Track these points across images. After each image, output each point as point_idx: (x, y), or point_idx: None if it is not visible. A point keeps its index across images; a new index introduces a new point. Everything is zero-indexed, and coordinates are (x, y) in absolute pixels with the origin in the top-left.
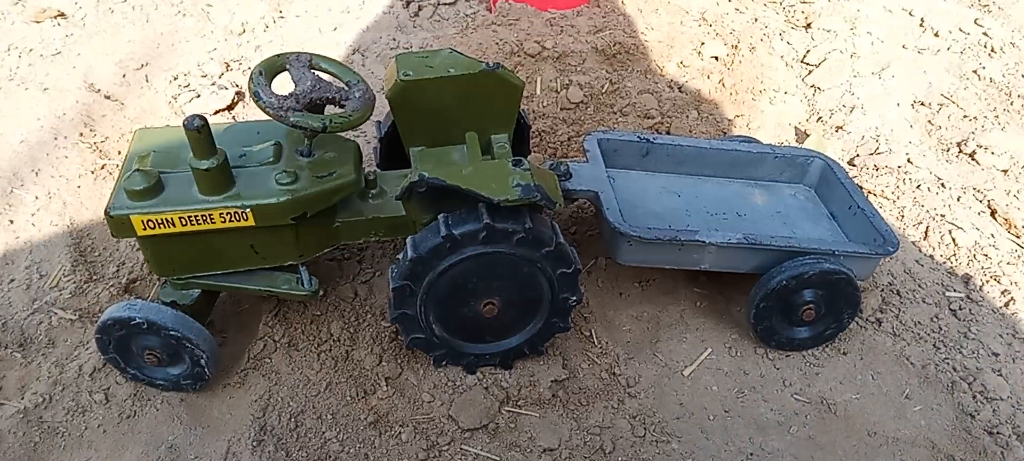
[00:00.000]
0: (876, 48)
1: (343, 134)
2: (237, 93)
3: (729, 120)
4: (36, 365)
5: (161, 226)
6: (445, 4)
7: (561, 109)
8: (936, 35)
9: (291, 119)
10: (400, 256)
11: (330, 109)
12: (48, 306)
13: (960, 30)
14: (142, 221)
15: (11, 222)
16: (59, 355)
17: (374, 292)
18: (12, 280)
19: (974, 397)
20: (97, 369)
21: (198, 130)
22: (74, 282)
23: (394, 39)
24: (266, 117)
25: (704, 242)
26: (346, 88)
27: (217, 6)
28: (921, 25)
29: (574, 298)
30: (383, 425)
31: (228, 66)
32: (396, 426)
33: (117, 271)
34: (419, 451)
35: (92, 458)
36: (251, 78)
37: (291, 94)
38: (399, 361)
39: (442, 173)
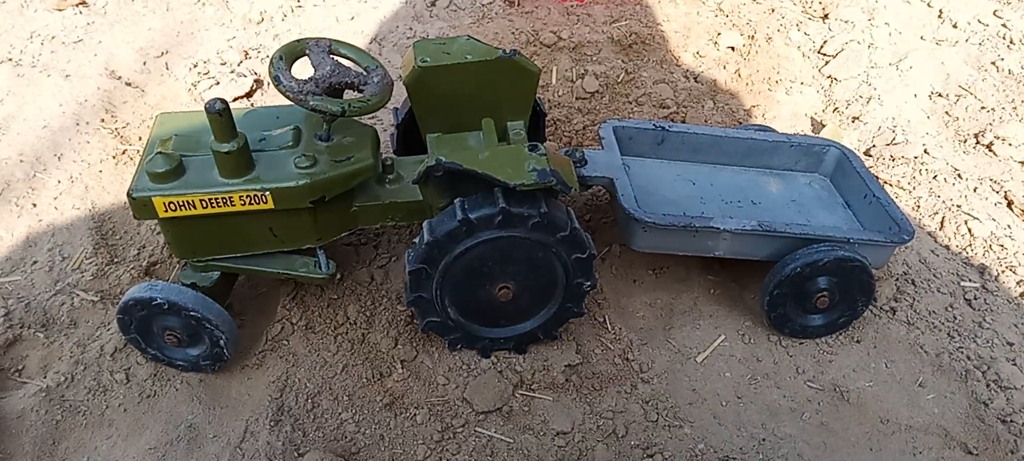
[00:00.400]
0: (894, 39)
1: (361, 119)
2: (256, 81)
3: (745, 110)
4: (58, 345)
5: (182, 208)
6: None
7: (576, 98)
8: (954, 26)
9: (310, 103)
10: (416, 240)
11: (349, 94)
12: (70, 288)
13: (979, 21)
14: (164, 203)
15: (34, 206)
16: (81, 336)
17: (390, 277)
18: (35, 262)
19: (988, 385)
20: (118, 349)
21: (219, 113)
22: (96, 264)
23: (411, 28)
24: (285, 102)
25: (719, 229)
26: (365, 73)
27: None
28: (940, 16)
29: (588, 283)
30: (398, 407)
31: (247, 54)
32: (411, 408)
33: (138, 254)
34: (434, 433)
35: (113, 437)
36: (271, 62)
37: (310, 79)
38: (414, 344)
39: (458, 157)
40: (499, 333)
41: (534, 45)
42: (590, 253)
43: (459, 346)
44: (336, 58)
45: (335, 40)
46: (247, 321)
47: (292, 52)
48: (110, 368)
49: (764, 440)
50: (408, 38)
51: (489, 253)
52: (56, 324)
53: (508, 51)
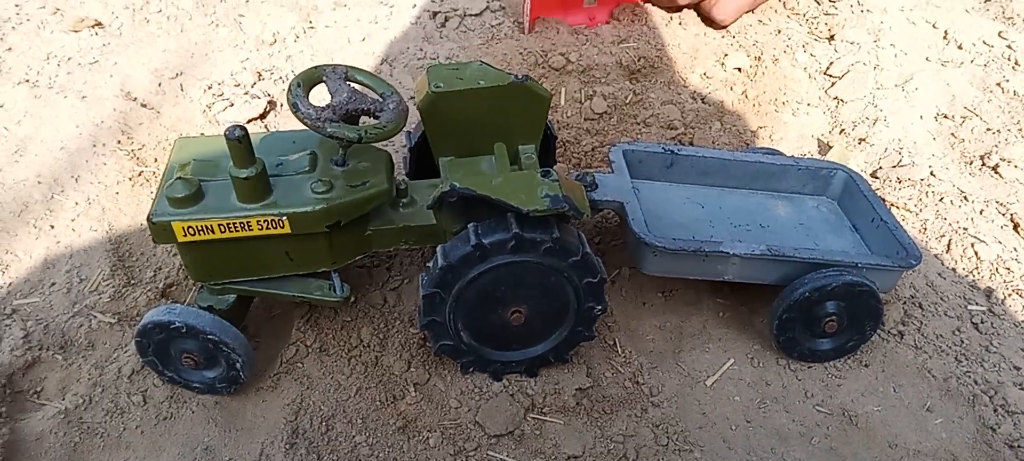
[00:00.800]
0: (899, 60)
1: (375, 144)
2: (269, 102)
3: (752, 131)
4: (76, 367)
5: (201, 233)
6: (471, 15)
7: (585, 119)
8: (960, 48)
9: (328, 130)
10: (430, 264)
11: (365, 120)
12: (88, 310)
13: (984, 43)
14: (183, 227)
15: (52, 227)
16: (99, 357)
17: (403, 299)
18: (53, 284)
19: (995, 411)
20: (135, 371)
21: (239, 140)
22: (113, 286)
23: (421, 49)
24: (301, 126)
25: (728, 253)
26: (380, 99)
27: (249, 17)
28: (945, 38)
29: (599, 307)
30: (411, 430)
31: (260, 75)
32: (424, 431)
33: (154, 276)
34: (446, 456)
35: (130, 458)
36: (290, 89)
37: (328, 106)
38: (427, 367)
39: (472, 183)
40: (511, 356)
41: (543, 67)
42: (601, 277)
43: (471, 369)
44: (352, 85)
45: (351, 67)
46: (262, 343)
47: (310, 79)
48: (127, 390)
49: None
50: (419, 59)
51: (502, 278)
52: (74, 346)
53: (520, 76)
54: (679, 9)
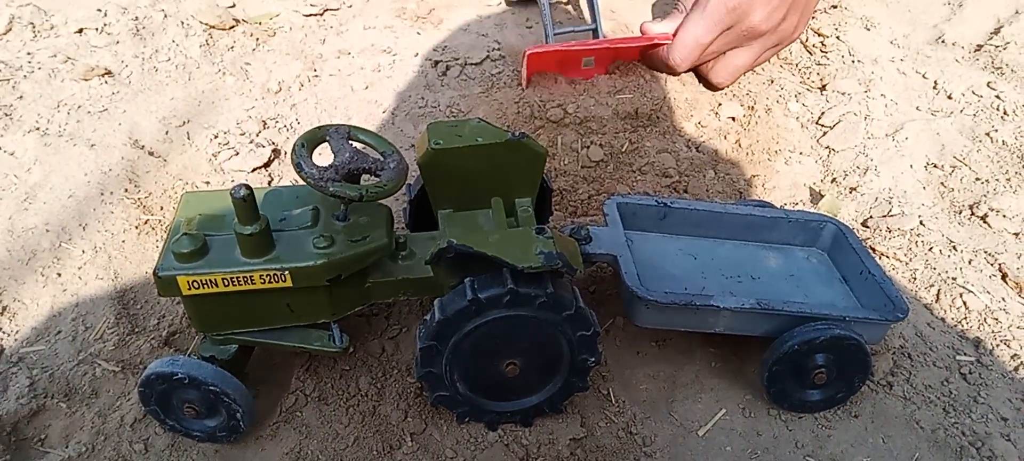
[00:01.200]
0: (890, 110)
1: None
2: (273, 150)
3: (746, 180)
4: (80, 415)
5: (205, 286)
6: (471, 64)
7: (582, 167)
8: (949, 98)
9: (330, 189)
10: (427, 317)
11: (367, 178)
12: (92, 358)
13: (973, 93)
14: (188, 282)
15: (59, 275)
16: (102, 405)
17: (400, 348)
18: (59, 332)
19: None
20: (137, 420)
21: (243, 199)
22: (117, 334)
23: (422, 98)
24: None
25: (718, 307)
26: (382, 158)
27: (255, 65)
28: (934, 87)
29: (593, 359)
30: None
31: (265, 124)
32: None
33: (158, 324)
34: None
35: None
36: (294, 149)
37: (331, 165)
38: (424, 417)
39: (470, 239)
40: (506, 407)
41: (540, 119)
42: (595, 330)
43: (467, 419)
44: (354, 144)
45: (354, 127)
46: (262, 391)
47: (313, 139)
48: (130, 438)
49: None
50: (420, 107)
51: (497, 331)
52: (78, 394)
53: (517, 134)
54: (676, 74)
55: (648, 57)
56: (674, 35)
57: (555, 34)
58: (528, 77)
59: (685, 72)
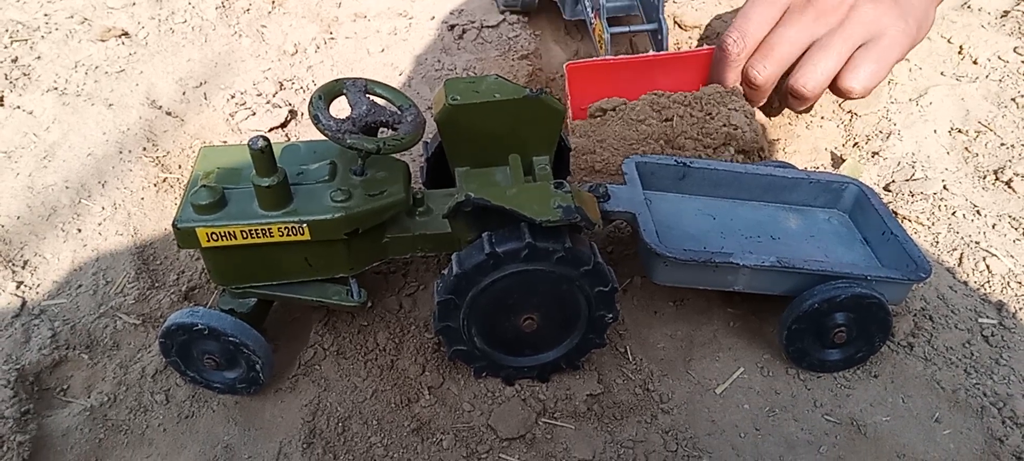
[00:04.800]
0: (914, 75)
1: (393, 155)
2: (290, 111)
3: (767, 143)
4: (102, 366)
5: (223, 238)
6: (488, 27)
7: None
8: (975, 63)
9: (347, 141)
10: (445, 271)
11: (383, 132)
12: (113, 311)
13: (999, 58)
14: (206, 233)
15: (79, 231)
16: (123, 357)
17: (418, 305)
18: (80, 286)
19: (1003, 422)
20: (159, 371)
21: (261, 151)
22: (138, 289)
23: (439, 61)
24: (322, 137)
25: (738, 264)
26: (399, 112)
27: (271, 27)
28: (960, 52)
29: (610, 315)
30: (425, 432)
31: (281, 85)
32: (437, 433)
33: (177, 279)
34: (459, 458)
35: (152, 455)
36: (311, 101)
37: (348, 118)
38: (441, 371)
39: (487, 194)
40: (523, 362)
41: (558, 80)
42: (612, 286)
43: (484, 374)
44: (372, 97)
45: (371, 80)
46: (281, 346)
47: (330, 92)
48: (151, 389)
49: None
50: (436, 70)
51: (515, 285)
52: (100, 346)
53: (535, 90)
54: (732, 72)
55: (713, 69)
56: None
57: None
58: (571, 95)
59: (761, 79)
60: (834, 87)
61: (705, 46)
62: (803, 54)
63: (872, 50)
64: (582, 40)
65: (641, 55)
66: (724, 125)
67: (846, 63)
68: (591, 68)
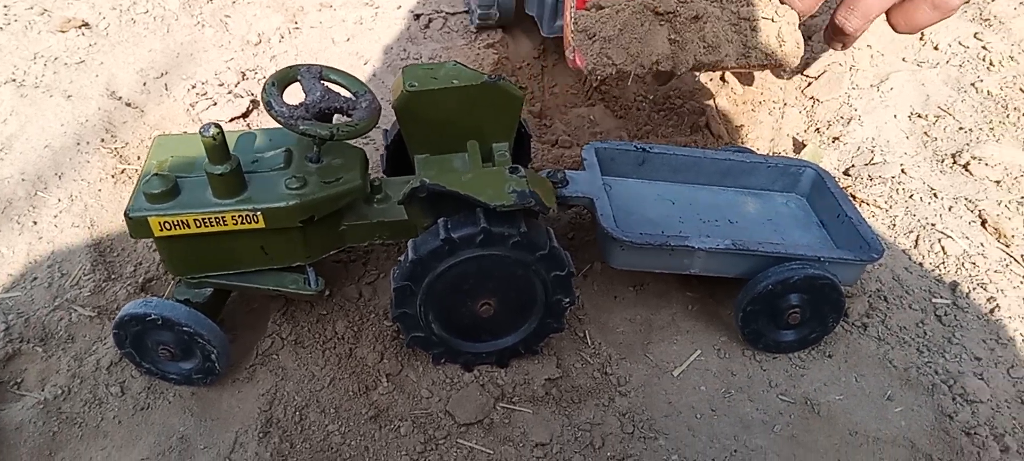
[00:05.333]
0: (876, 61)
1: (351, 142)
2: (252, 101)
3: (730, 130)
4: (56, 359)
5: (176, 227)
6: (453, 14)
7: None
8: (936, 48)
9: (300, 127)
10: (401, 258)
11: (338, 118)
12: (68, 303)
13: (959, 44)
14: (159, 222)
15: (35, 223)
16: (78, 350)
17: (378, 293)
18: (35, 279)
19: (954, 399)
20: (114, 363)
21: (213, 137)
22: (93, 281)
23: (405, 50)
24: (278, 125)
25: (693, 247)
26: (354, 98)
27: (235, 17)
28: (921, 39)
29: (568, 300)
30: (383, 419)
31: (244, 75)
32: (396, 420)
33: (134, 271)
34: (417, 444)
35: (107, 447)
36: (264, 88)
37: (301, 104)
38: (400, 359)
39: (442, 180)
40: (481, 348)
41: (525, 69)
42: (569, 271)
43: (443, 360)
44: (326, 84)
45: (326, 66)
46: (238, 336)
47: (284, 78)
48: (106, 381)
49: (736, 451)
50: (402, 59)
51: (471, 271)
52: (54, 338)
53: (493, 77)
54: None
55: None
56: None
57: None
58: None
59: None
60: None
61: None
62: None
63: None
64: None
65: None
66: (775, 38)
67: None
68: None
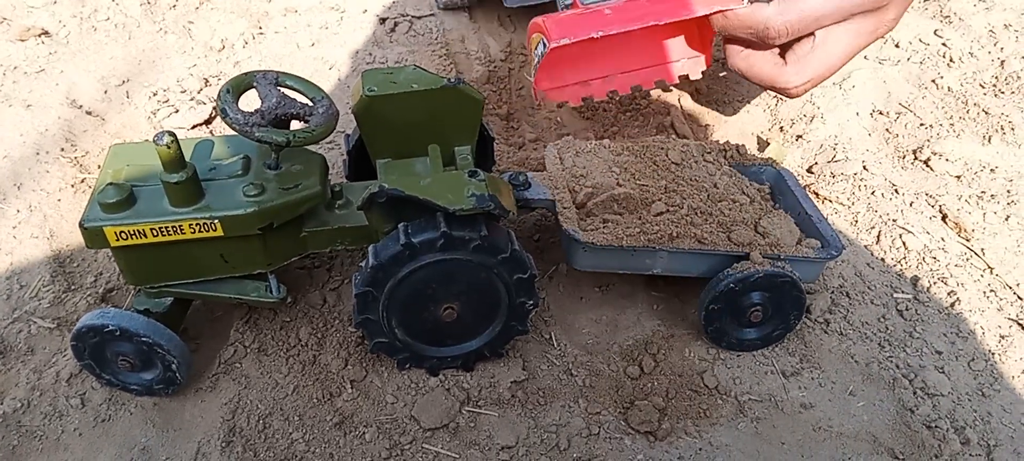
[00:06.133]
0: None
1: (311, 147)
2: (215, 108)
3: (694, 130)
4: (15, 372)
5: (133, 237)
6: (419, 18)
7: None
8: (897, 46)
9: (256, 134)
10: (363, 263)
11: (295, 124)
12: (28, 315)
13: (920, 40)
14: (115, 232)
15: None
16: (37, 362)
17: (342, 299)
18: None
19: (915, 393)
20: (74, 375)
21: (168, 146)
22: (53, 292)
23: (371, 54)
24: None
25: (655, 248)
26: (311, 104)
27: (198, 23)
28: (883, 37)
29: (531, 302)
30: (348, 425)
31: (207, 82)
32: (360, 426)
33: (95, 281)
34: (382, 450)
35: (68, 460)
36: (219, 95)
37: (257, 110)
38: (364, 365)
39: (402, 184)
40: (446, 352)
41: (488, 66)
42: (531, 273)
43: (408, 365)
44: (283, 89)
45: (282, 72)
46: (202, 345)
47: (239, 85)
48: (66, 393)
49: (701, 450)
50: (368, 63)
51: (433, 275)
52: (13, 351)
53: (452, 80)
54: (771, 41)
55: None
56: None
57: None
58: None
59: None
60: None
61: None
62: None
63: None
64: (516, 31)
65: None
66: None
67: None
68: (569, 49)
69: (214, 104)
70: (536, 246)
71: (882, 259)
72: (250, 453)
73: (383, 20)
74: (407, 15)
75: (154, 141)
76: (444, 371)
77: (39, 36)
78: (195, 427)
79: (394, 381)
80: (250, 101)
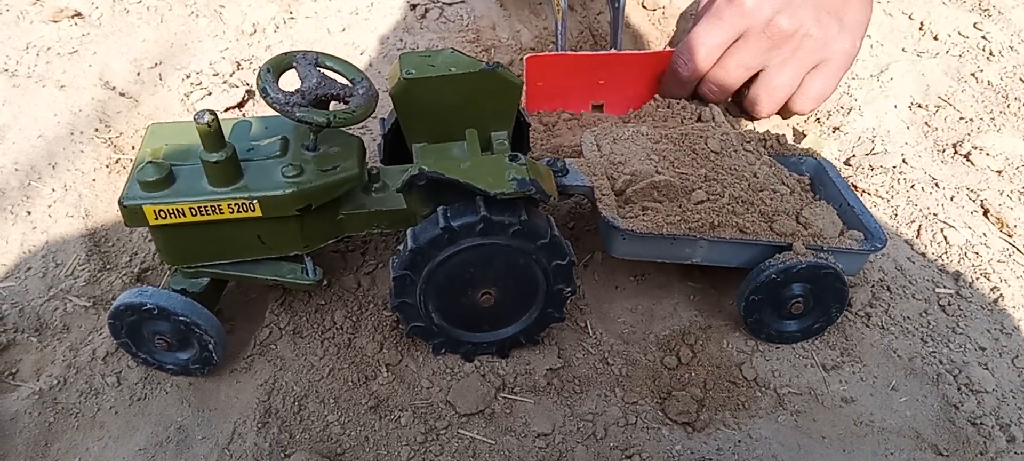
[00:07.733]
0: (875, 51)
1: (348, 129)
2: (247, 91)
3: (732, 123)
4: (51, 349)
5: (172, 216)
6: (449, 4)
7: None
8: (935, 39)
9: (297, 114)
10: (401, 247)
11: (335, 105)
12: (63, 293)
13: (959, 34)
14: (154, 211)
15: (28, 213)
16: (73, 340)
17: (376, 283)
18: (29, 269)
19: (959, 389)
20: (110, 354)
21: (208, 124)
22: (88, 271)
23: (401, 40)
24: (274, 113)
25: (695, 236)
26: (350, 85)
27: (229, 7)
28: (921, 29)
29: (569, 289)
30: (383, 409)
31: (239, 65)
32: (396, 410)
33: (130, 261)
34: (417, 434)
35: (104, 438)
36: (259, 74)
37: (297, 90)
38: (399, 348)
39: (441, 167)
40: (482, 338)
41: (518, 53)
42: (570, 260)
43: (443, 350)
44: (323, 70)
45: (322, 53)
46: (236, 326)
47: (280, 65)
48: (102, 372)
49: (740, 442)
50: (398, 49)
51: (471, 260)
52: (49, 329)
53: (491, 63)
54: (685, 90)
55: (665, 83)
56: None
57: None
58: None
59: (714, 99)
60: (784, 106)
61: (666, 48)
62: (756, 76)
63: (821, 74)
64: (547, 18)
65: (600, 53)
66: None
67: (798, 87)
68: (550, 61)
69: (246, 87)
70: (571, 234)
71: (923, 253)
72: (286, 434)
73: (413, 6)
74: (438, 1)
75: (194, 119)
76: (479, 357)
77: (72, 17)
78: (231, 407)
79: (429, 366)
80: (289, 81)
